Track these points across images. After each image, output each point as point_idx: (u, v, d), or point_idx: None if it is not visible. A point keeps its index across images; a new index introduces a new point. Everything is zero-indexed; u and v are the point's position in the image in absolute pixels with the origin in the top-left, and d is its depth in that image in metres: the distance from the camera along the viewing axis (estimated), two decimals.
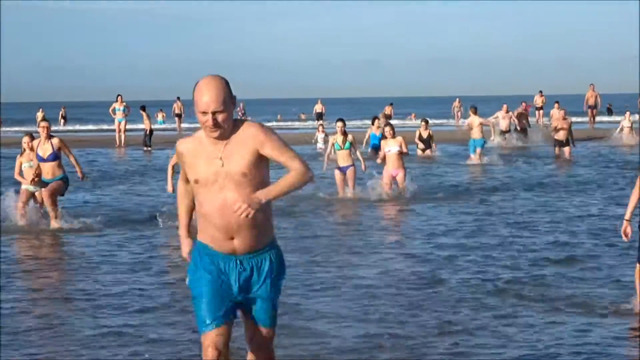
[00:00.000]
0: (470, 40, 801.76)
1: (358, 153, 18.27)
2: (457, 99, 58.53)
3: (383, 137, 18.77)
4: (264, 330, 5.32)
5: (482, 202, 17.32)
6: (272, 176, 5.20)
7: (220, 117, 5.03)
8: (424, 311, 8.81)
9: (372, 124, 30.24)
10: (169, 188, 15.09)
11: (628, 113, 34.16)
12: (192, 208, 5.40)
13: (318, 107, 59.13)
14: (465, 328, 8.17)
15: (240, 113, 61.09)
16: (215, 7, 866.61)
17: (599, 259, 11.40)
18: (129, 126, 37.91)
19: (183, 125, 49.56)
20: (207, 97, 5.01)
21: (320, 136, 34.40)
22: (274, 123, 63.01)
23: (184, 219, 5.51)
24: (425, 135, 29.69)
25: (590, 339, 7.82)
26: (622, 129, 33.93)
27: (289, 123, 63.52)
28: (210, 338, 5.12)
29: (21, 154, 15.19)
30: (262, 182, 5.14)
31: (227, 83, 5.10)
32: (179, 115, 51.11)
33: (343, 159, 18.15)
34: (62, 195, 14.90)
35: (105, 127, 55.94)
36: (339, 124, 18.51)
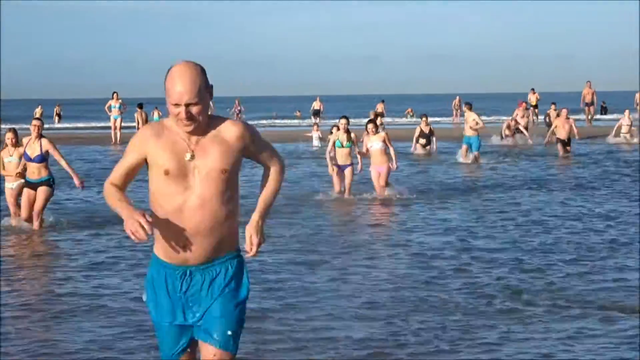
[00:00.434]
0: (470, 38, 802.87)
1: (356, 152, 18.10)
2: (457, 97, 58.37)
3: (367, 133, 18.57)
4: (219, 354, 4.62)
5: (484, 200, 17.23)
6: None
7: (195, 110, 4.53)
8: (427, 312, 8.71)
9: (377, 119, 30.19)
10: None
11: (627, 111, 34.06)
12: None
13: (316, 105, 59.02)
14: (470, 328, 8.07)
15: (236, 109, 60.96)
16: (214, 5, 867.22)
17: (609, 257, 11.31)
18: (124, 123, 37.77)
19: None
20: (180, 87, 4.50)
21: (315, 135, 34.30)
22: (269, 121, 62.87)
23: (118, 193, 4.64)
24: (426, 130, 29.65)
25: (599, 340, 7.73)
26: (620, 127, 33.82)
27: (286, 121, 63.31)
28: None
29: (3, 148, 14.83)
30: (234, 183, 4.67)
31: (202, 71, 4.59)
32: None
33: (343, 157, 18.01)
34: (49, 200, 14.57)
35: (101, 124, 55.74)
36: (343, 121, 18.37)
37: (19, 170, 14.37)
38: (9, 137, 14.72)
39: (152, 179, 4.65)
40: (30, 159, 14.28)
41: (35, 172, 14.30)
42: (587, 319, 8.38)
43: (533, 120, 42.63)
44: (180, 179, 4.56)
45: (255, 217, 4.69)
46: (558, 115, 30.63)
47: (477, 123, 26.20)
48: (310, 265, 11.02)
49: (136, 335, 7.92)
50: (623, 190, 18.37)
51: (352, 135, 18.14)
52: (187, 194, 4.56)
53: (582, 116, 45.08)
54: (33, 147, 14.31)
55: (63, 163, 14.30)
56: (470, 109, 27.01)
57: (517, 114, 34.68)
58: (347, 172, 17.94)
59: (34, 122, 14.69)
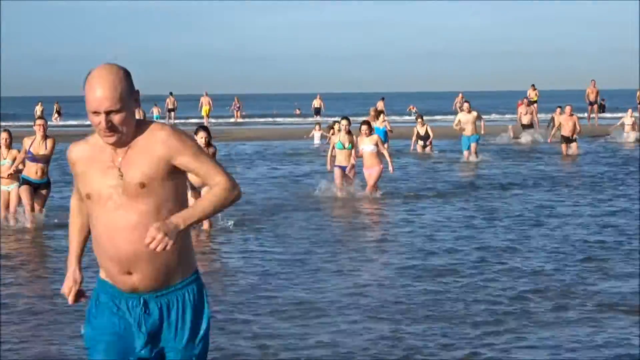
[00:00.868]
0: (470, 36, 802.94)
1: (353, 152, 17.91)
2: (460, 94, 58.14)
3: (364, 134, 18.31)
4: None
5: (488, 199, 17.13)
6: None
7: (116, 119, 3.93)
8: (433, 316, 8.57)
9: (377, 118, 30.03)
10: None
11: (630, 110, 33.96)
12: (87, 228, 4.24)
13: (316, 103, 58.91)
14: (479, 328, 7.93)
15: (235, 107, 60.77)
16: (213, 2, 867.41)
17: (617, 257, 11.21)
18: None
19: (177, 121, 49.64)
20: (99, 93, 3.90)
21: (317, 134, 34.28)
22: (269, 119, 62.75)
23: (74, 242, 4.25)
24: (422, 132, 29.44)
25: (600, 338, 7.65)
26: (622, 126, 33.69)
27: (287, 119, 63.16)
28: None
29: None
30: (168, 200, 4.00)
31: (127, 74, 4.00)
32: (171, 110, 51.20)
33: (344, 158, 17.88)
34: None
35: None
36: (344, 122, 18.24)
37: (11, 171, 14.15)
38: (4, 137, 14.46)
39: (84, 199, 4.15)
40: (35, 159, 14.05)
41: (39, 172, 14.13)
42: (588, 318, 8.31)
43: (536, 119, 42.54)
44: (105, 200, 4.00)
45: (174, 217, 3.95)
46: (560, 113, 30.52)
47: (477, 119, 25.89)
48: (310, 265, 10.88)
49: None
50: (627, 189, 18.23)
51: (354, 137, 17.98)
52: (117, 216, 3.99)
53: (584, 114, 44.92)
54: (39, 147, 14.09)
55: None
56: (469, 108, 26.69)
57: (521, 112, 34.61)
58: (348, 172, 17.76)
59: (38, 121, 14.51)
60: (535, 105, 45.31)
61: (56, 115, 59.22)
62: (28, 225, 13.93)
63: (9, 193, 14.42)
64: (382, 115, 29.67)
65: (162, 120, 50.45)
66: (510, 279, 9.94)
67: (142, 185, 3.95)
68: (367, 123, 18.58)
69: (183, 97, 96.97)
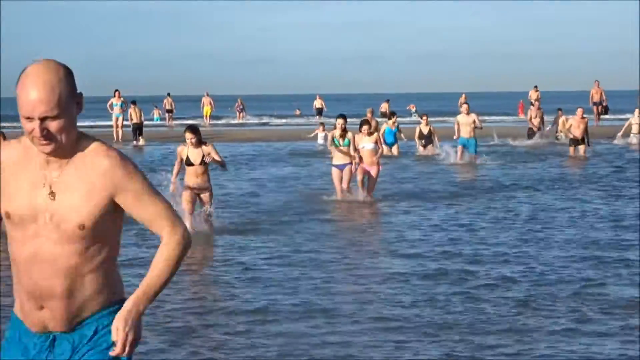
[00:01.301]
0: (471, 37, 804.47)
1: (352, 151, 17.67)
2: (463, 95, 57.97)
3: (364, 134, 18.15)
4: None
5: (497, 200, 17.02)
6: None
7: (53, 126, 3.31)
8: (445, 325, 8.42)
9: (389, 119, 29.88)
10: (172, 187, 14.07)
11: (637, 111, 33.78)
12: None
13: (317, 103, 58.80)
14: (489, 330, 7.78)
15: (238, 107, 60.55)
16: (214, 2, 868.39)
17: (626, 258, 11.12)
18: (125, 122, 37.43)
19: (174, 122, 49.91)
20: (33, 95, 3.27)
21: (321, 135, 34.24)
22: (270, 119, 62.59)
23: None
24: (425, 131, 29.32)
25: (600, 338, 7.60)
26: (630, 126, 33.52)
27: (288, 120, 62.98)
28: None
29: None
30: (105, 237, 3.44)
31: (67, 74, 3.36)
32: (169, 112, 51.32)
33: (341, 156, 17.63)
34: None
35: (103, 122, 55.48)
36: (340, 120, 18.05)
37: None
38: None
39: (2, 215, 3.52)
40: None
41: None
42: (588, 317, 8.32)
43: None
44: (28, 222, 3.38)
45: (127, 304, 3.39)
46: (567, 118, 30.45)
47: (475, 122, 25.62)
48: (312, 265, 10.72)
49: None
50: (633, 190, 18.09)
51: (350, 134, 17.77)
52: (38, 243, 3.38)
53: (592, 116, 44.78)
54: None
55: None
56: (468, 109, 26.44)
57: (531, 115, 34.56)
58: (346, 170, 17.56)
59: None
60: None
61: None
62: None
63: None
64: (394, 117, 29.59)
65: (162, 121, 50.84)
66: (515, 284, 9.79)
67: (82, 227, 3.36)
68: (367, 122, 18.49)
69: (183, 98, 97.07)
